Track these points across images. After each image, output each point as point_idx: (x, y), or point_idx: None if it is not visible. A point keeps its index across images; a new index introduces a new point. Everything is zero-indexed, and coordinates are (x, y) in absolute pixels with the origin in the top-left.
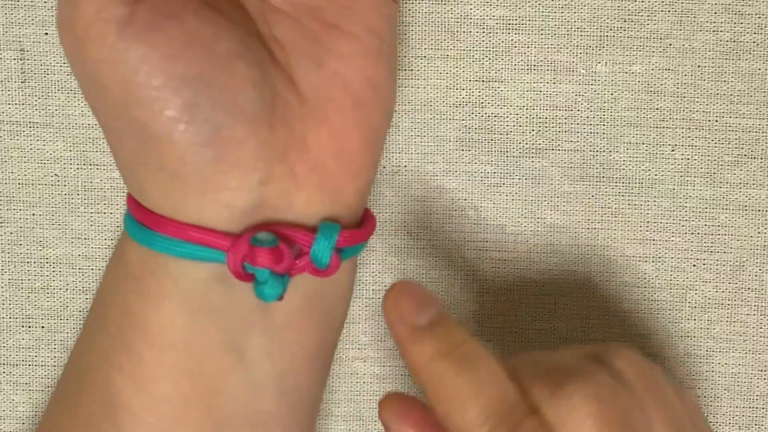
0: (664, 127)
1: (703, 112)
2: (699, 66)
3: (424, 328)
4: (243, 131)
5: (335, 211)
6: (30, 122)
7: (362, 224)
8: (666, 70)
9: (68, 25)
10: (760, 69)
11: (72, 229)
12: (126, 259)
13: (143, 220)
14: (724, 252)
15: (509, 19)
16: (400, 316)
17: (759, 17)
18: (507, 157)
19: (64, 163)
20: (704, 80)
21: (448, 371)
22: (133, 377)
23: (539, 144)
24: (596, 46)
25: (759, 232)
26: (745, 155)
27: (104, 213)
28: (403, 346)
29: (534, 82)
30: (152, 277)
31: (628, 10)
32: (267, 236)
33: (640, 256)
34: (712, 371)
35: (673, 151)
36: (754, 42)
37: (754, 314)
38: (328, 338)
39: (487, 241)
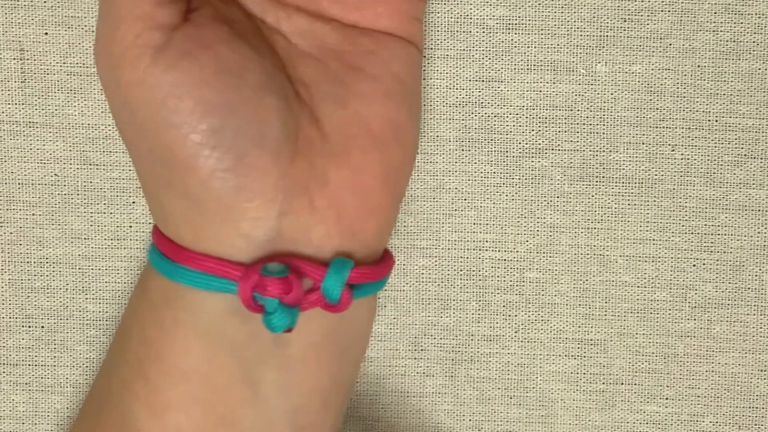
0: (664, 127)
1: (703, 112)
2: (699, 66)
3: None
4: (266, 161)
5: (353, 247)
6: (30, 122)
7: (380, 262)
8: (666, 70)
9: (105, 48)
10: (760, 69)
11: (72, 229)
12: (147, 289)
13: (163, 250)
14: (724, 252)
15: (509, 19)
16: None
17: (759, 17)
18: (507, 157)
19: (64, 163)
20: (704, 80)
21: None
22: (148, 405)
23: (539, 144)
24: (596, 46)
25: (759, 232)
26: (745, 155)
27: (104, 213)
28: None
29: (534, 82)
30: (170, 307)
31: (628, 10)
32: (277, 266)
33: (640, 256)
34: (712, 371)
35: (673, 151)
36: (754, 42)
37: (754, 314)
38: (343, 376)
39: (487, 241)
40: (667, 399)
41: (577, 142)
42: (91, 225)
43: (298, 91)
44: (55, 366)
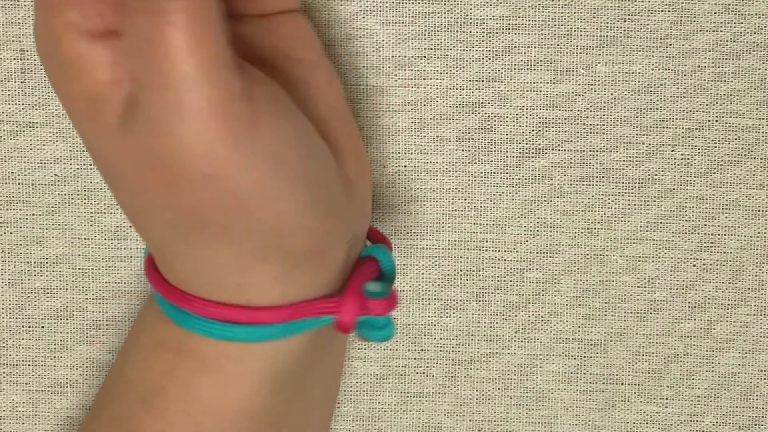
0: (664, 127)
1: (703, 112)
2: (699, 66)
3: None
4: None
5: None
6: (30, 122)
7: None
8: (666, 70)
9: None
10: (760, 69)
11: (72, 229)
12: (156, 337)
13: (173, 300)
14: (724, 252)
15: (509, 19)
16: None
17: (759, 17)
18: (507, 157)
19: (64, 163)
20: (704, 80)
21: None
22: None
23: (539, 144)
24: (596, 46)
25: (759, 232)
26: (745, 155)
27: (104, 213)
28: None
29: (534, 82)
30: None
31: (628, 10)
32: (378, 287)
33: (640, 256)
34: (712, 371)
35: (673, 151)
36: (754, 42)
37: (754, 314)
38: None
39: (487, 241)
40: (667, 399)
41: (577, 142)
42: (91, 225)
43: None
44: (55, 366)
